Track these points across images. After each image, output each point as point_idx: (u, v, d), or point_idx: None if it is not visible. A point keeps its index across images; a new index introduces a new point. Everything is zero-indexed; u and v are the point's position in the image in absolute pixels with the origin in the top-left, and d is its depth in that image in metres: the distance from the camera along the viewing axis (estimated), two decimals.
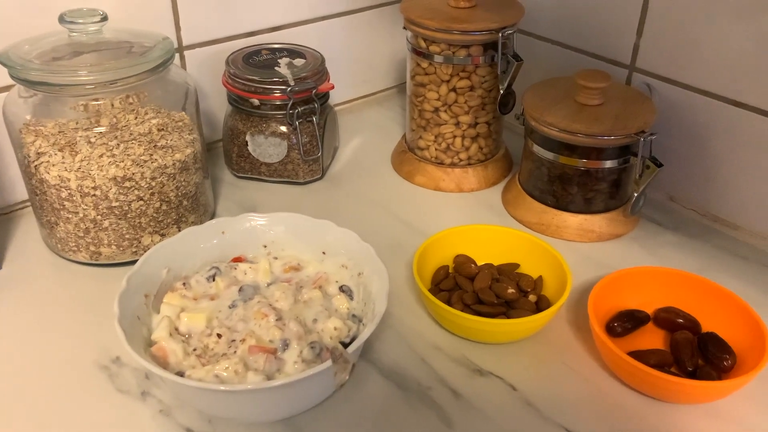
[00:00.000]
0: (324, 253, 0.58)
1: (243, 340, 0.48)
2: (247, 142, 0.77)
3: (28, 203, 0.74)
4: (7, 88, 0.67)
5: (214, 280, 0.55)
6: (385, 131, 0.92)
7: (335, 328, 0.51)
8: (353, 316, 0.53)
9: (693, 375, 0.54)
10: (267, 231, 0.58)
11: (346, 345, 0.46)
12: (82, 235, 0.64)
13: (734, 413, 0.52)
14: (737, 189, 0.71)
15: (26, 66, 0.59)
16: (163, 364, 0.48)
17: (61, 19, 0.61)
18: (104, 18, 0.62)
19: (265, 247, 0.59)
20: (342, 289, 0.55)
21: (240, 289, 0.54)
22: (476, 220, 0.74)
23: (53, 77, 0.59)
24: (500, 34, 0.70)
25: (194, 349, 0.49)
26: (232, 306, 0.53)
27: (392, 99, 1.01)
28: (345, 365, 0.42)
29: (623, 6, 0.73)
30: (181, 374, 0.47)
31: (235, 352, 0.48)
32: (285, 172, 0.78)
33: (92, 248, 0.65)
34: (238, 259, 0.58)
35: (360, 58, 0.95)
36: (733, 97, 0.68)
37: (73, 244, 0.65)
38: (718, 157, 0.71)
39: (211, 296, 0.54)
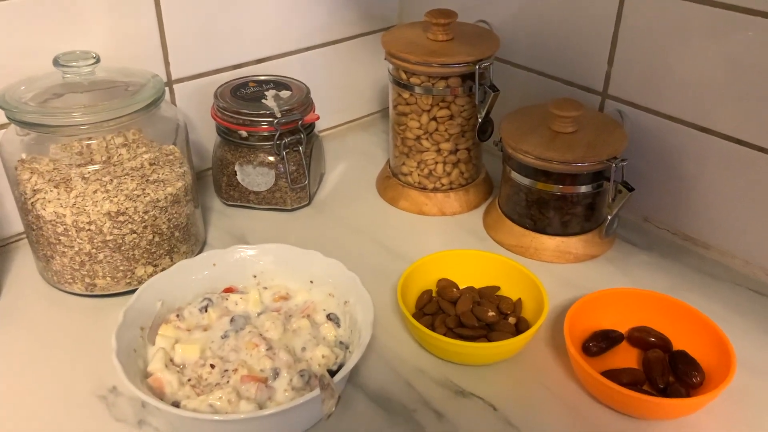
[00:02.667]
0: (311, 282, 0.60)
1: (235, 370, 0.51)
2: (236, 171, 0.79)
3: (23, 236, 0.76)
4: (2, 126, 0.70)
5: (206, 311, 0.57)
6: (369, 156, 0.95)
7: (323, 356, 0.53)
8: (340, 343, 0.56)
9: (664, 392, 0.57)
10: (256, 262, 0.61)
11: (333, 373, 0.49)
12: (77, 267, 0.66)
13: (704, 427, 0.55)
14: (707, 210, 0.74)
15: (22, 108, 0.62)
16: (160, 394, 0.50)
17: (56, 62, 0.64)
18: (97, 60, 0.65)
19: (255, 277, 0.61)
20: (329, 317, 0.58)
21: (231, 320, 0.57)
22: (459, 244, 0.77)
23: (48, 119, 0.61)
24: (477, 66, 0.74)
25: (189, 380, 0.51)
26: (224, 336, 0.55)
27: (375, 124, 1.04)
28: (332, 395, 0.45)
29: (595, 36, 0.77)
30: (176, 404, 0.49)
31: (228, 381, 0.50)
32: (273, 199, 0.81)
33: (87, 280, 0.67)
34: (229, 290, 0.60)
35: (343, 86, 0.98)
36: (701, 123, 0.72)
37: (69, 277, 0.67)
38: (689, 179, 0.75)
39: (204, 327, 0.56)
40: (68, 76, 0.65)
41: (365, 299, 0.55)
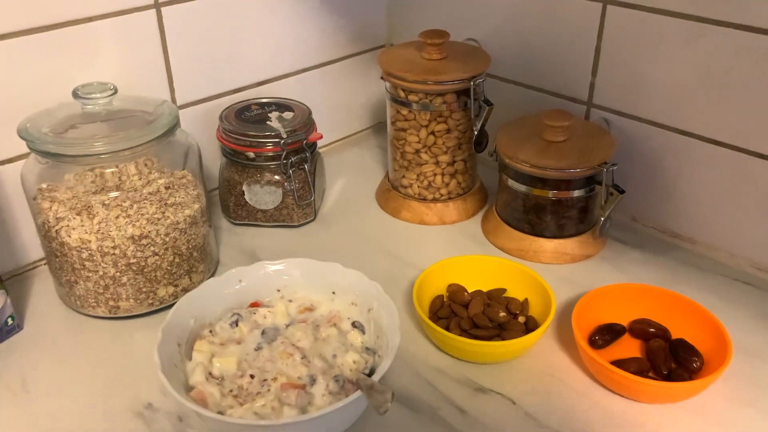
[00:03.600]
0: (333, 292, 0.63)
1: (274, 379, 0.54)
2: (243, 191, 0.82)
3: (39, 263, 0.78)
4: (22, 157, 0.72)
5: (237, 325, 0.60)
6: (366, 170, 0.98)
7: (354, 362, 0.56)
8: (367, 349, 0.59)
9: (668, 377, 0.61)
10: (280, 276, 0.64)
11: (368, 375, 0.52)
12: (101, 291, 0.68)
13: (707, 408, 0.60)
14: (691, 207, 0.80)
15: (43, 139, 0.64)
16: (203, 406, 0.53)
17: (75, 95, 0.66)
18: (114, 92, 0.67)
19: (279, 291, 0.64)
20: (354, 324, 0.61)
21: (263, 332, 0.59)
22: (460, 250, 0.81)
23: (70, 149, 0.64)
24: (472, 82, 0.78)
25: (230, 390, 0.54)
26: (258, 348, 0.58)
27: (368, 139, 1.08)
28: (383, 394, 0.48)
29: (579, 49, 0.82)
30: (221, 414, 0.52)
31: (268, 390, 0.53)
32: (280, 216, 0.84)
33: (111, 303, 0.69)
34: (255, 305, 0.63)
35: (337, 104, 1.02)
36: (681, 126, 0.77)
37: (93, 300, 0.69)
38: (672, 179, 0.80)
39: (237, 340, 0.59)
40: (88, 107, 0.67)
41: (389, 305, 0.58)
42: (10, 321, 0.68)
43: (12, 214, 0.74)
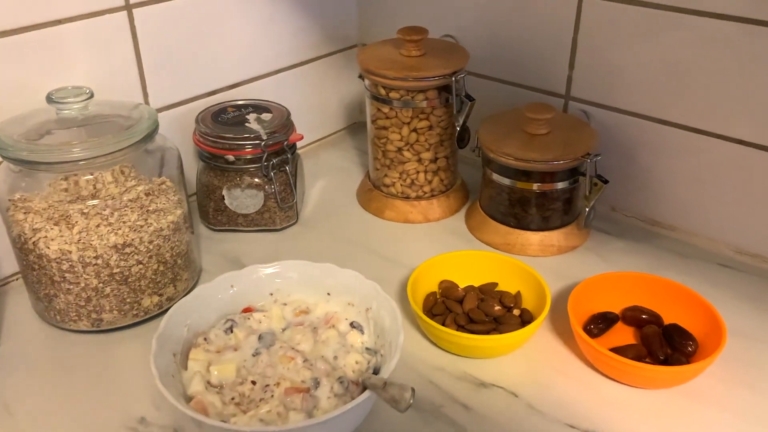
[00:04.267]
0: (329, 294, 0.62)
1: (277, 384, 0.52)
2: (224, 196, 0.80)
3: (11, 279, 0.75)
4: None
5: (232, 331, 0.58)
6: (343, 171, 0.97)
7: (356, 362, 0.55)
8: (367, 349, 0.58)
9: (665, 362, 0.62)
10: (272, 279, 0.62)
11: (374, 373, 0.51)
12: (83, 304, 0.65)
13: (705, 391, 0.61)
14: (669, 194, 0.81)
15: (17, 146, 0.61)
16: (204, 416, 0.51)
17: (49, 99, 0.64)
18: (90, 96, 0.65)
19: (272, 294, 0.63)
20: (353, 325, 0.60)
21: (259, 337, 0.58)
22: (447, 246, 0.80)
23: (46, 156, 0.61)
24: (453, 78, 0.78)
25: (232, 398, 0.52)
26: (256, 354, 0.56)
27: (344, 140, 1.07)
28: (403, 391, 0.47)
29: (556, 43, 0.82)
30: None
31: (272, 396, 0.52)
32: (262, 220, 0.82)
33: (94, 316, 0.66)
34: (247, 310, 0.62)
35: (312, 105, 1.00)
36: (656, 115, 0.78)
37: (74, 314, 0.66)
38: (649, 168, 0.81)
39: (234, 347, 0.57)
40: (63, 112, 0.64)
41: (389, 304, 0.57)
42: None
43: None
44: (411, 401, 0.47)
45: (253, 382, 0.53)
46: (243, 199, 0.80)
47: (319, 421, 0.47)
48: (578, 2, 0.79)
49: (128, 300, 0.67)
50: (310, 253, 0.79)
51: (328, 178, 0.96)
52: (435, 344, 0.66)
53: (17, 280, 0.75)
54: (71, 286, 0.64)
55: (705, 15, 0.71)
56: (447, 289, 0.70)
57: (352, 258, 0.78)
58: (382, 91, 0.80)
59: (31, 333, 0.68)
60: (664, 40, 0.74)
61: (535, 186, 0.76)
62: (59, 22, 0.70)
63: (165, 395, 0.49)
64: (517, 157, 0.75)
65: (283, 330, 0.59)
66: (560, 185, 0.77)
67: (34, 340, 0.68)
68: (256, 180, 0.80)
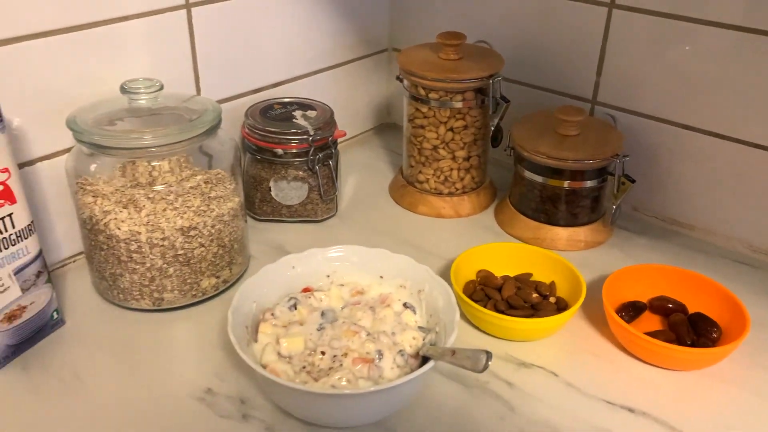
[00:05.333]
0: (381, 276, 0.67)
1: (345, 355, 0.57)
2: (270, 187, 0.85)
3: (68, 261, 0.78)
4: (53, 155, 0.73)
5: (296, 308, 0.63)
6: (374, 168, 1.02)
7: (413, 338, 0.60)
8: (420, 327, 0.63)
9: (692, 347, 0.67)
10: (331, 263, 0.67)
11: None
12: (147, 283, 0.69)
13: (729, 373, 0.65)
14: (688, 195, 0.86)
15: (92, 131, 0.65)
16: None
17: (123, 90, 0.68)
18: (161, 87, 0.69)
19: (328, 276, 0.67)
20: (405, 305, 0.64)
21: (322, 314, 0.62)
22: (478, 240, 0.85)
23: (120, 141, 0.65)
24: (491, 81, 0.83)
25: (303, 367, 0.57)
26: (320, 328, 0.61)
27: (371, 140, 1.11)
28: (476, 353, 0.52)
29: (585, 51, 0.88)
30: None
31: (340, 365, 0.56)
32: (305, 212, 0.87)
33: (156, 295, 0.70)
34: (306, 289, 0.66)
35: (345, 105, 1.05)
36: (677, 120, 0.84)
37: (137, 293, 0.70)
38: (669, 170, 0.86)
39: (299, 322, 0.61)
40: (135, 102, 0.68)
41: (443, 285, 0.62)
42: (55, 315, 0.68)
43: (47, 211, 0.75)
44: (488, 362, 0.51)
45: (323, 353, 0.57)
46: (288, 190, 0.85)
47: (400, 383, 0.51)
48: (608, 14, 0.84)
49: (189, 281, 0.71)
50: (348, 243, 0.83)
51: (359, 175, 1.00)
52: (477, 328, 0.70)
53: (74, 262, 0.79)
54: (137, 266, 0.68)
55: (713, 25, 0.77)
56: (485, 277, 0.75)
57: (388, 248, 0.82)
58: (422, 92, 0.85)
59: (94, 311, 0.72)
60: (681, 49, 0.80)
61: (566, 184, 0.81)
62: (126, 18, 0.74)
63: (245, 360, 0.53)
64: (551, 155, 0.80)
65: (342, 308, 0.64)
66: (589, 183, 0.82)
67: (97, 318, 0.71)
68: (301, 173, 0.84)
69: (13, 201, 0.61)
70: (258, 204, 0.86)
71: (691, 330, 0.69)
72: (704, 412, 0.62)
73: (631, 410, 0.62)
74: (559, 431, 0.59)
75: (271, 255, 0.81)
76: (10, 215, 0.61)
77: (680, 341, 0.67)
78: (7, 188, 0.60)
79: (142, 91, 0.68)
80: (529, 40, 0.93)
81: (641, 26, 0.82)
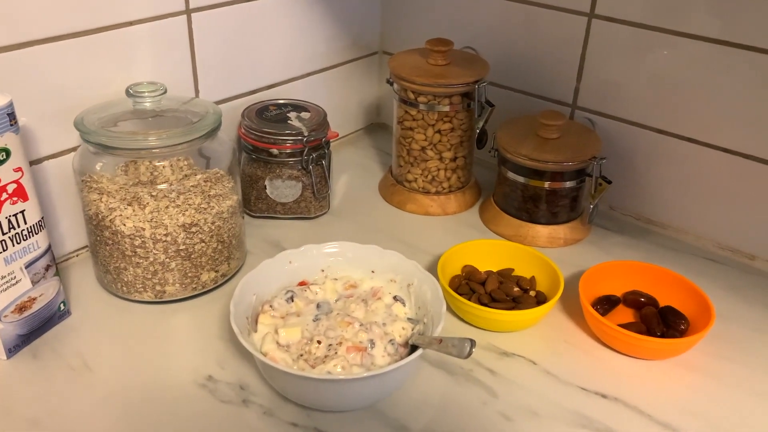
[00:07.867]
0: (373, 271, 0.71)
1: (339, 344, 0.61)
2: (265, 186, 0.88)
3: (72, 255, 0.82)
4: (59, 154, 0.76)
5: (292, 300, 0.67)
6: (364, 167, 1.06)
7: (403, 328, 0.64)
8: (409, 318, 0.67)
9: (661, 338, 0.72)
10: (326, 258, 0.71)
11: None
12: (149, 277, 0.73)
13: (695, 362, 0.71)
14: (661, 196, 0.91)
15: (99, 132, 0.69)
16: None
17: (128, 93, 0.71)
18: (164, 91, 0.73)
19: (323, 271, 0.71)
20: (396, 298, 0.68)
21: (317, 306, 0.66)
22: (463, 237, 0.89)
23: (126, 142, 0.69)
24: (477, 85, 0.87)
25: (300, 355, 0.61)
26: (316, 319, 0.65)
27: (361, 139, 1.15)
28: (462, 341, 0.56)
29: (566, 58, 0.92)
30: None
31: (336, 353, 0.60)
32: (298, 209, 0.91)
33: (158, 288, 0.74)
34: (302, 283, 0.70)
35: (336, 105, 1.09)
36: (652, 124, 0.89)
37: (140, 286, 0.74)
38: (644, 172, 0.91)
39: (296, 313, 0.66)
40: (139, 104, 0.72)
41: (430, 279, 0.66)
42: (62, 306, 0.72)
43: (53, 207, 0.78)
44: (472, 349, 0.56)
45: (319, 342, 0.61)
46: (283, 189, 0.89)
47: (391, 369, 0.56)
48: (587, 23, 0.89)
49: (189, 274, 0.74)
50: (340, 239, 0.86)
51: (350, 174, 1.04)
52: (462, 319, 0.75)
53: (77, 256, 0.82)
54: (141, 260, 0.72)
55: (686, 36, 0.82)
56: (470, 272, 0.79)
57: (379, 244, 0.86)
58: (411, 95, 0.89)
59: (98, 302, 0.76)
60: (657, 58, 0.85)
61: (547, 184, 0.86)
62: (130, 23, 0.77)
63: (248, 348, 0.57)
64: (533, 157, 0.84)
65: (336, 301, 0.68)
66: (568, 184, 0.86)
67: (102, 309, 0.75)
68: (296, 172, 0.88)
69: (25, 198, 0.64)
70: (254, 201, 0.90)
71: (661, 322, 0.74)
72: (671, 397, 0.67)
73: (604, 396, 0.66)
74: (537, 415, 0.64)
75: (266, 250, 0.85)
76: (22, 212, 0.64)
77: (651, 332, 0.72)
78: (21, 186, 0.63)
79: (146, 95, 0.72)
80: (513, 47, 0.97)
81: (619, 35, 0.87)
